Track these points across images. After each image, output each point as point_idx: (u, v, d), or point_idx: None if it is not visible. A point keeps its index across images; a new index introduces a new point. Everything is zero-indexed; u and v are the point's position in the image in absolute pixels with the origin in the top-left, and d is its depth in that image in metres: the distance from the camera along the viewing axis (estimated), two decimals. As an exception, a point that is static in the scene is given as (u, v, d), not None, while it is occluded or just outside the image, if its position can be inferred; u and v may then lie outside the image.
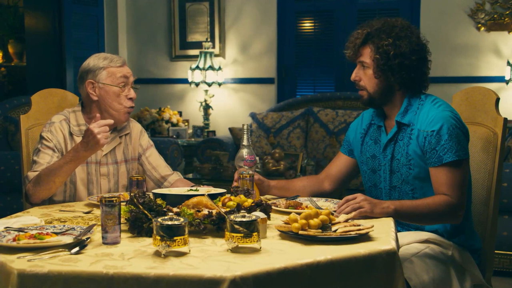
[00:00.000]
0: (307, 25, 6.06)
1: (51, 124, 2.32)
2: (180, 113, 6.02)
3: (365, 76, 2.07)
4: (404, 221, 2.04)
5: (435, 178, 1.95)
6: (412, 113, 2.02)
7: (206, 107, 5.90)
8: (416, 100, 2.04)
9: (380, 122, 2.13)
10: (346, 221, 1.66)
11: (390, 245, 1.52)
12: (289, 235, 1.59)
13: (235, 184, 2.05)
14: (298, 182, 2.29)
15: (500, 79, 5.17)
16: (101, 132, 2.05)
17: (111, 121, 2.13)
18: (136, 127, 2.49)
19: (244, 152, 2.08)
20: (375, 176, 2.12)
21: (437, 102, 2.02)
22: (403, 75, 2.01)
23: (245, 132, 2.08)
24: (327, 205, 2.01)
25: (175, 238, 1.40)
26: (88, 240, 1.53)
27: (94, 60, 2.33)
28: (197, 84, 5.87)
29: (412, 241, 1.98)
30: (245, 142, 2.09)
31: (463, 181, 1.94)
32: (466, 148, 1.98)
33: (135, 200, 1.66)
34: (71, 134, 2.33)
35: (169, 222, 1.41)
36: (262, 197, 2.11)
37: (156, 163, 2.47)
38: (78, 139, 2.30)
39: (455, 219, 1.95)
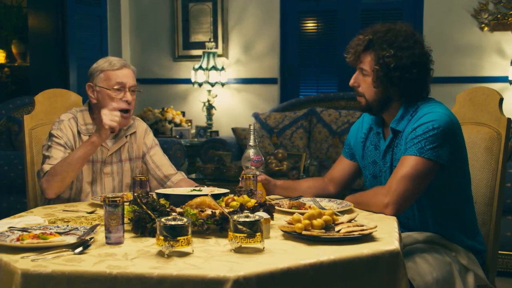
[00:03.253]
0: (310, 25, 6.06)
1: (60, 122, 2.36)
2: (183, 113, 6.02)
3: (364, 83, 2.03)
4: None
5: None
6: (406, 120, 1.99)
7: (209, 107, 5.91)
8: (412, 108, 2.00)
9: (378, 128, 2.11)
10: (350, 221, 1.66)
11: (393, 245, 1.51)
12: (292, 235, 1.59)
13: (241, 184, 2.04)
14: (304, 183, 2.29)
15: (504, 79, 5.15)
16: (107, 116, 2.22)
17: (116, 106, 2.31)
18: (141, 126, 2.52)
19: (251, 152, 2.07)
20: (376, 182, 2.10)
21: (430, 105, 1.98)
22: (403, 87, 1.97)
23: (251, 133, 2.07)
24: (330, 205, 2.01)
25: (178, 238, 1.40)
26: (92, 240, 1.53)
27: (97, 63, 2.39)
28: (200, 84, 5.87)
29: (416, 242, 1.98)
30: (251, 143, 2.08)
31: (413, 177, 1.85)
32: (440, 152, 1.87)
33: (139, 200, 1.66)
34: (78, 132, 2.37)
35: (173, 222, 1.41)
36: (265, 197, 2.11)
37: (160, 162, 2.48)
38: (85, 138, 2.35)
39: (383, 208, 1.88)
